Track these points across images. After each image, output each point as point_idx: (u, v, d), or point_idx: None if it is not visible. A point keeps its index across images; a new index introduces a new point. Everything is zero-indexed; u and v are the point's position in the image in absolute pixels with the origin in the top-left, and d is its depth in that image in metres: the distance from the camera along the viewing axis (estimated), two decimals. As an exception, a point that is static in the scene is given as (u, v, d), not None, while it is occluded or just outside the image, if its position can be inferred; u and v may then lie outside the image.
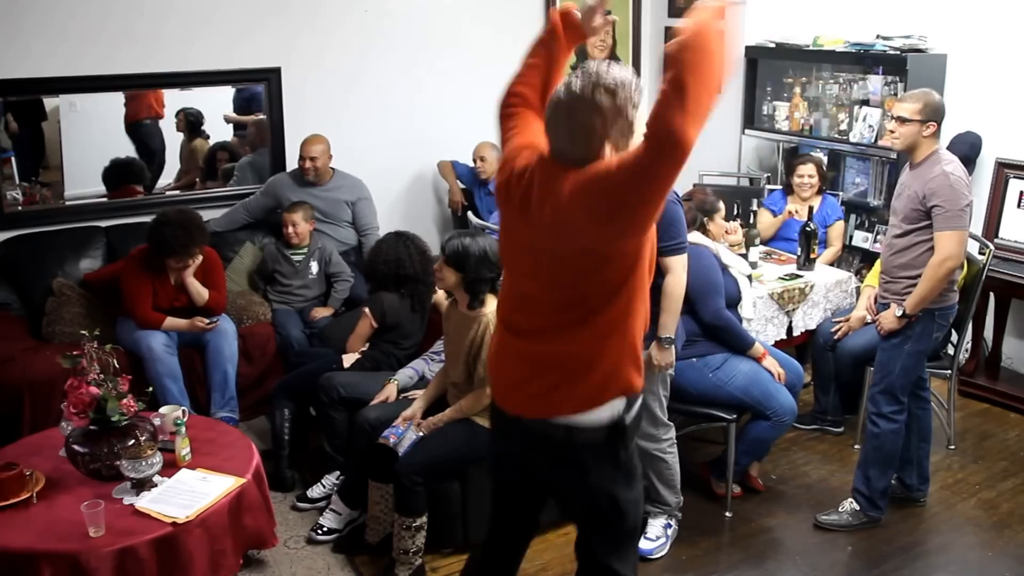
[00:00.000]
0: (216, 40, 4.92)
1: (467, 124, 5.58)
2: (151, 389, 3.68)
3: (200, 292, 4.23)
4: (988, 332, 4.89)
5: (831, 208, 4.96)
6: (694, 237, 3.61)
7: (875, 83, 5.02)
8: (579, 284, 2.08)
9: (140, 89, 4.86)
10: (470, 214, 5.15)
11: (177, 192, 5.08)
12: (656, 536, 3.49)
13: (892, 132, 3.44)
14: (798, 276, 4.39)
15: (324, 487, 3.77)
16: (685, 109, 1.81)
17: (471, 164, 5.47)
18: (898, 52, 4.85)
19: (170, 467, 2.97)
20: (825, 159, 5.21)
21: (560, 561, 3.45)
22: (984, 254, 4.05)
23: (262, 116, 5.19)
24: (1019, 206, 4.74)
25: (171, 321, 4.19)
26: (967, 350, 4.82)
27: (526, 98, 2.30)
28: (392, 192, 5.60)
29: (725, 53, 1.87)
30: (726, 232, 3.88)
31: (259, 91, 5.14)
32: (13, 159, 4.63)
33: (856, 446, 4.16)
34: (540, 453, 2.28)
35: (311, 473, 3.91)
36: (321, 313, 4.66)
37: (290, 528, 3.60)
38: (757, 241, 4.47)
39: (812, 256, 4.48)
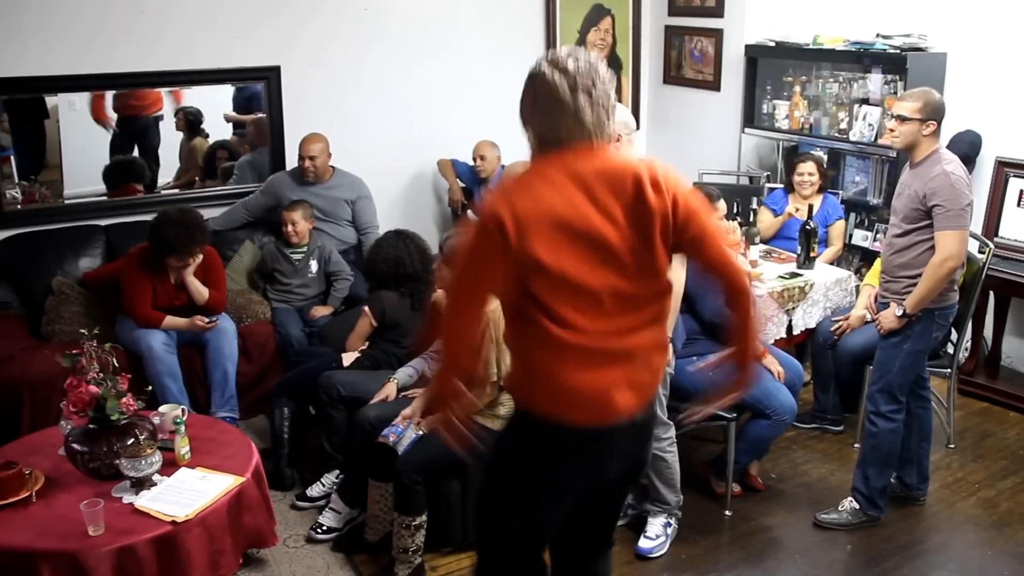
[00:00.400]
0: (216, 39, 4.92)
1: (467, 122, 5.59)
2: (150, 388, 3.68)
3: (200, 291, 4.22)
4: (988, 331, 4.88)
5: (832, 207, 4.96)
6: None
7: (875, 82, 5.02)
8: (665, 270, 2.19)
9: (139, 88, 4.86)
10: (470, 213, 5.14)
11: (176, 191, 5.07)
12: (656, 535, 3.49)
13: (892, 131, 3.44)
14: (798, 275, 4.39)
15: (323, 486, 3.77)
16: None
17: (471, 162, 5.47)
18: (898, 51, 4.85)
19: (169, 466, 2.97)
20: (825, 158, 5.21)
21: (560, 560, 3.45)
22: (984, 253, 4.05)
23: (262, 115, 5.19)
24: (1019, 205, 4.74)
25: (171, 320, 4.18)
26: (967, 349, 4.82)
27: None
28: (392, 191, 5.60)
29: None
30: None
31: (259, 90, 5.14)
32: (12, 158, 4.63)
33: (856, 445, 4.16)
34: (645, 446, 2.36)
35: (310, 472, 3.91)
36: (321, 312, 4.66)
37: (289, 527, 3.60)
38: (757, 240, 4.47)
39: (812, 255, 4.47)
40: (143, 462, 2.82)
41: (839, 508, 3.68)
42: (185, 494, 2.84)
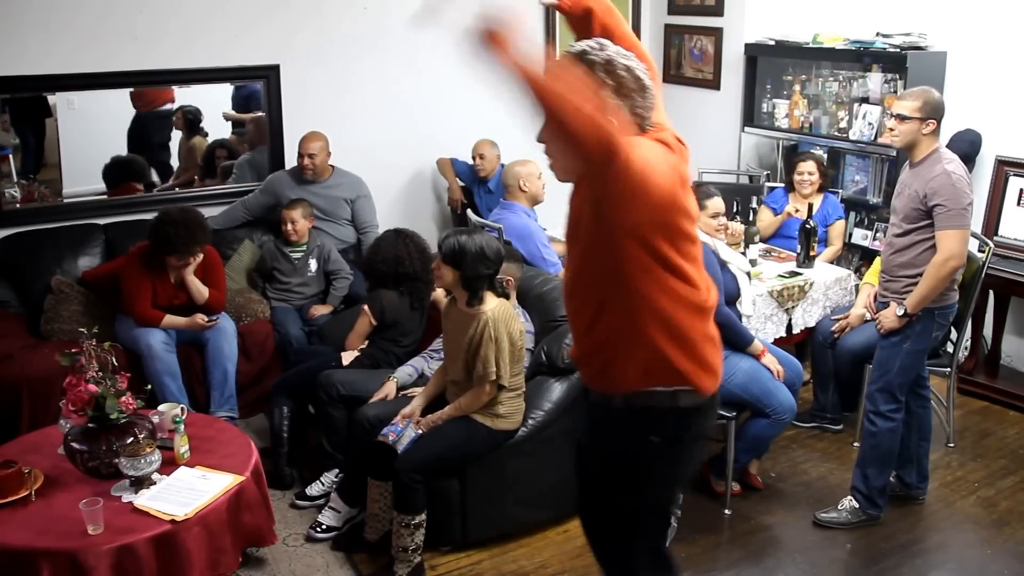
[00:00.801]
0: (215, 37, 4.91)
1: (466, 121, 5.58)
2: (150, 387, 3.68)
3: (200, 290, 4.22)
4: (988, 330, 4.88)
5: (832, 207, 4.96)
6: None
7: (875, 81, 5.02)
8: None
9: (138, 87, 4.85)
10: (469, 212, 5.14)
11: (175, 190, 5.07)
12: (655, 534, 3.49)
13: (891, 130, 3.44)
14: (798, 274, 4.39)
15: (323, 485, 3.77)
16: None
17: (470, 161, 5.46)
18: (898, 50, 4.85)
19: (169, 465, 2.97)
20: (825, 157, 5.21)
21: (559, 559, 3.45)
22: (984, 252, 4.05)
23: (261, 114, 5.19)
24: (1019, 204, 4.74)
25: (170, 319, 4.18)
26: (966, 348, 4.82)
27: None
28: (391, 190, 5.60)
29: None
30: (716, 229, 3.79)
31: (258, 88, 5.14)
32: (11, 156, 4.63)
33: (855, 444, 4.16)
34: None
35: (310, 471, 3.91)
36: (320, 311, 4.65)
37: (289, 526, 3.60)
38: (756, 239, 4.47)
39: (812, 254, 4.47)
40: (142, 461, 2.82)
41: (839, 507, 3.68)
42: (184, 493, 2.84)
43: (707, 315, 2.19)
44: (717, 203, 3.72)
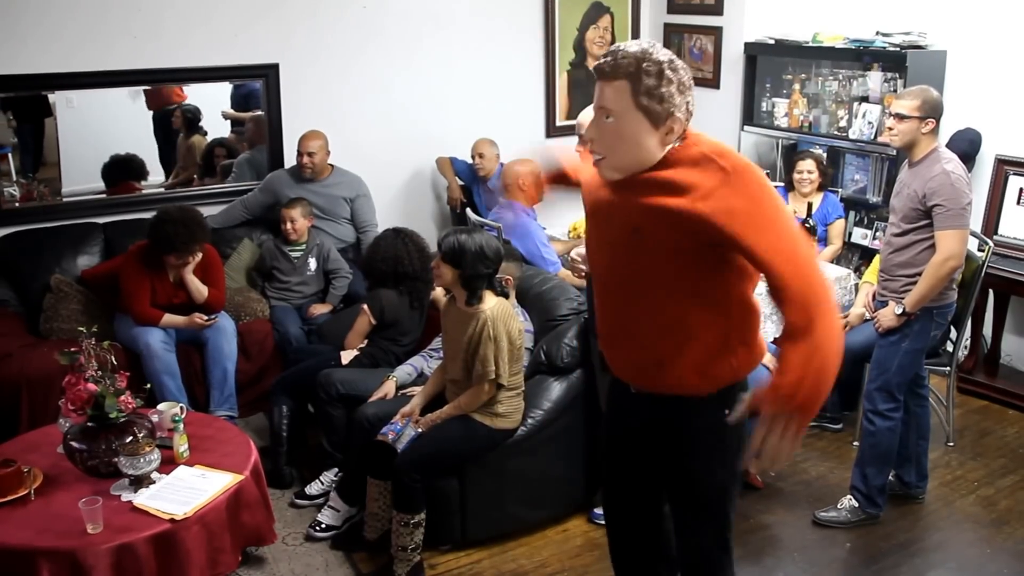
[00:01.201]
0: (214, 36, 4.91)
1: (466, 120, 5.58)
2: (149, 386, 3.67)
3: (199, 289, 4.22)
4: (987, 329, 4.88)
5: (832, 206, 4.96)
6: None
7: (875, 80, 5.02)
8: None
9: (138, 86, 4.85)
10: (469, 211, 5.14)
11: (174, 189, 5.07)
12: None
13: (891, 129, 3.44)
14: (797, 273, 4.37)
15: (322, 484, 3.76)
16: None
17: (469, 160, 5.46)
18: (898, 49, 4.84)
19: (168, 464, 2.97)
20: (824, 156, 5.21)
21: (558, 558, 3.45)
22: (983, 251, 4.05)
23: (260, 112, 5.18)
24: (1019, 203, 4.73)
25: (169, 318, 4.18)
26: (966, 347, 4.82)
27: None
28: (391, 189, 5.59)
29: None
30: None
31: (257, 87, 5.13)
32: (10, 155, 4.62)
33: (855, 443, 4.15)
34: None
35: (309, 470, 3.91)
36: (319, 310, 4.65)
37: (288, 525, 3.60)
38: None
39: (811, 253, 4.46)
40: (142, 460, 2.82)
41: (838, 506, 3.68)
42: (184, 492, 2.83)
43: None
44: None
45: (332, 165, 5.03)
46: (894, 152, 4.83)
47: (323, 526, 3.53)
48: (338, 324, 4.30)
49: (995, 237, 4.63)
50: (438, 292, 4.01)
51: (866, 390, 3.65)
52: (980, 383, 4.79)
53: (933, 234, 3.36)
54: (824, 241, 4.90)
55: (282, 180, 4.97)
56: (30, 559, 2.56)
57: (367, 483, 3.42)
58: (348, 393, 3.71)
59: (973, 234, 3.87)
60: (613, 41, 6.14)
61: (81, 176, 4.80)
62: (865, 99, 5.10)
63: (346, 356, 3.95)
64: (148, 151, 4.99)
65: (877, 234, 5.09)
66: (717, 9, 5.74)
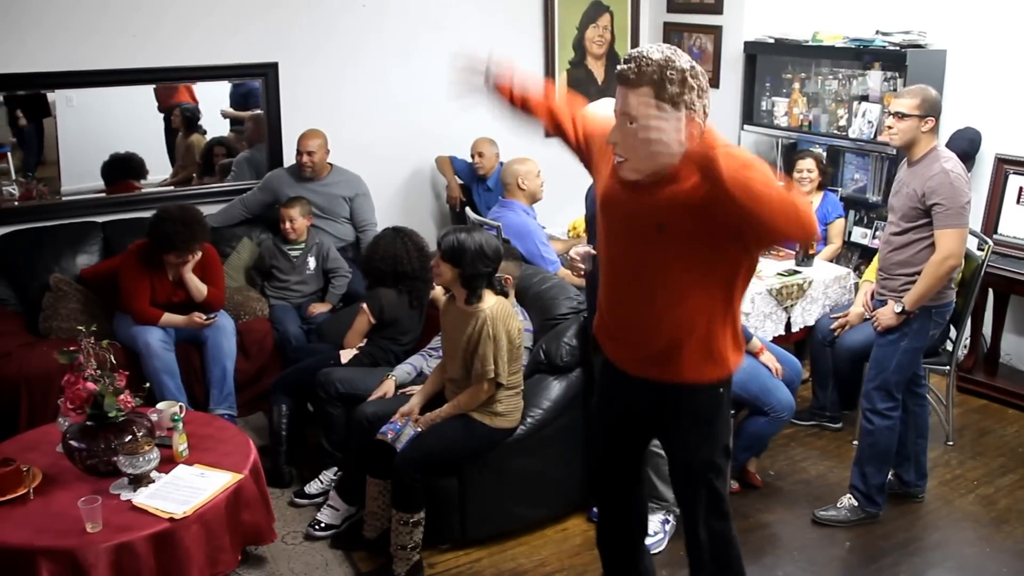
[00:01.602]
0: (213, 35, 4.90)
1: (465, 119, 5.56)
2: (148, 385, 3.67)
3: (199, 288, 4.22)
4: (987, 328, 4.88)
5: (832, 205, 4.96)
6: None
7: (874, 79, 5.01)
8: None
9: (137, 84, 4.85)
10: (468, 210, 5.14)
11: (174, 188, 5.06)
12: (654, 531, 3.49)
13: (890, 128, 3.44)
14: (797, 272, 4.38)
15: (322, 483, 3.76)
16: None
17: (469, 159, 5.46)
18: (897, 48, 4.84)
19: (167, 463, 2.97)
20: (824, 155, 5.21)
21: (558, 557, 3.45)
22: (983, 250, 4.05)
23: (259, 111, 5.18)
24: (1018, 202, 4.73)
25: (168, 317, 4.18)
26: (966, 346, 4.82)
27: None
28: (390, 188, 5.59)
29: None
30: None
31: (256, 86, 5.13)
32: (9, 154, 4.62)
33: (854, 442, 4.14)
34: None
35: (309, 469, 3.91)
36: (319, 309, 4.65)
37: (288, 524, 3.60)
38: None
39: (811, 252, 4.47)
40: (141, 459, 2.81)
41: (837, 505, 3.68)
42: (183, 491, 2.83)
43: None
44: None
45: (331, 164, 5.03)
46: (894, 151, 4.82)
47: (322, 525, 3.53)
48: (337, 323, 4.30)
49: (995, 236, 4.63)
50: (437, 291, 4.01)
51: (865, 389, 3.65)
52: (980, 382, 4.79)
53: (932, 233, 3.36)
54: (824, 240, 4.90)
55: (281, 179, 4.97)
56: (29, 558, 2.56)
57: (366, 482, 3.42)
58: (347, 392, 3.71)
59: (973, 233, 3.87)
60: (612, 40, 6.14)
61: (80, 175, 4.80)
62: (865, 98, 5.10)
63: (345, 355, 3.95)
64: (148, 150, 4.99)
65: (877, 233, 5.09)
66: (717, 8, 5.74)
